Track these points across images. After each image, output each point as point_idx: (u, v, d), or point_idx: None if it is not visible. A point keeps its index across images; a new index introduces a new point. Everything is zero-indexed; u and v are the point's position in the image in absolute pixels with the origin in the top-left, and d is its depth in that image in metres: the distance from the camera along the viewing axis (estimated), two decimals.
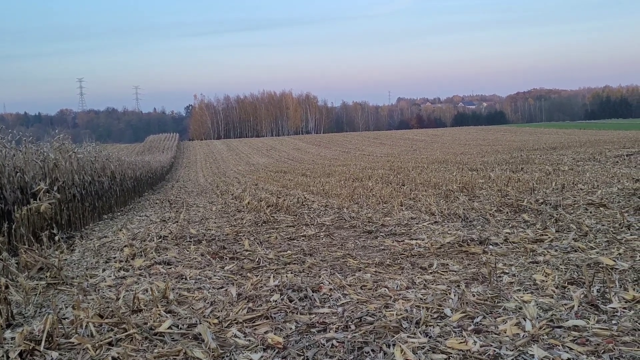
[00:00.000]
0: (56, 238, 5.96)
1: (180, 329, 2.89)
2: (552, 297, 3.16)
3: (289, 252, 5.15)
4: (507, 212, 6.60)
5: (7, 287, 3.53)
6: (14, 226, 6.05)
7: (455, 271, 4.00)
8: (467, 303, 3.10)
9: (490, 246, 4.78)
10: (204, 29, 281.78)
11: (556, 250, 4.40)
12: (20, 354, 2.55)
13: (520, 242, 4.85)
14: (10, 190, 6.74)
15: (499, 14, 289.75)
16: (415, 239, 5.39)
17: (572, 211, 6.27)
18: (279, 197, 10.96)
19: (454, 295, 3.29)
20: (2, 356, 2.55)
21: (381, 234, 5.94)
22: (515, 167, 14.66)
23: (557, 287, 3.36)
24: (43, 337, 2.63)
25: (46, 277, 4.29)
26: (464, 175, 12.70)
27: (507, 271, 3.86)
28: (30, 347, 2.57)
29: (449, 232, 5.64)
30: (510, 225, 5.75)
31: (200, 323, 2.92)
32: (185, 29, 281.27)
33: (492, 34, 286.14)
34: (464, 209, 6.98)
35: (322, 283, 3.78)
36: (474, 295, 3.26)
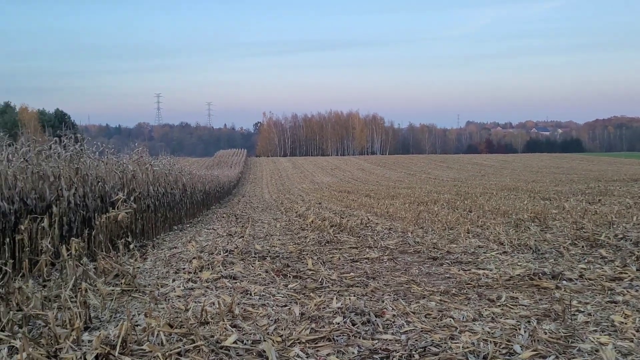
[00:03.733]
0: (131, 246, 6.25)
1: (245, 344, 2.95)
2: (632, 341, 2.96)
3: (352, 274, 5.14)
4: (583, 246, 6.28)
5: (86, 291, 3.74)
6: (93, 233, 6.41)
7: (526, 306, 3.84)
8: (538, 341, 2.97)
9: (564, 281, 4.56)
10: (275, 49, 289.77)
11: (637, 291, 4.13)
12: (96, 357, 2.69)
13: (597, 279, 4.59)
14: (92, 198, 7.16)
15: (578, 39, 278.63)
16: (483, 269, 5.23)
17: None
18: (343, 218, 10.98)
19: (524, 331, 3.15)
20: (80, 358, 2.70)
21: (447, 261, 5.81)
22: (592, 198, 13.94)
23: (637, 331, 3.14)
24: (118, 343, 2.76)
25: (121, 283, 4.51)
26: (536, 204, 12.21)
27: (582, 309, 3.66)
28: (106, 351, 2.70)
29: (518, 263, 5.43)
30: (585, 261, 5.46)
31: (265, 340, 2.96)
32: (257, 48, 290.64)
33: (570, 58, 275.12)
34: (535, 240, 6.71)
35: (385, 308, 3.74)
36: (545, 333, 3.11)
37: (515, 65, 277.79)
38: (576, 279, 4.63)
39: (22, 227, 5.23)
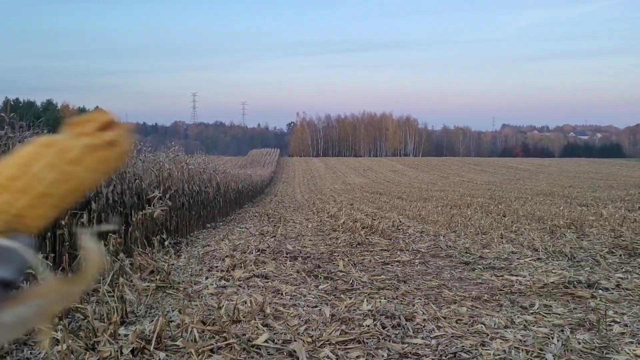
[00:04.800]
0: (165, 243, 6.40)
1: (276, 343, 3.00)
2: None
3: (382, 276, 5.14)
4: (621, 255, 6.11)
5: (123, 286, 3.86)
6: (130, 229, 6.58)
7: (559, 314, 3.77)
8: (571, 350, 2.92)
9: (600, 291, 4.45)
10: (309, 50, 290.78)
11: None
12: (132, 351, 2.78)
13: (635, 289, 4.47)
14: (129, 195, 7.35)
15: (618, 41, 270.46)
16: (516, 275, 5.16)
17: None
18: (374, 219, 10.96)
19: (557, 340, 3.10)
20: (117, 351, 2.79)
21: (479, 266, 5.75)
22: (632, 205, 13.51)
23: None
24: (153, 338, 2.85)
25: (156, 279, 4.63)
26: (572, 211, 11.92)
27: (618, 320, 3.58)
28: (141, 346, 2.79)
29: (553, 271, 5.33)
30: (623, 270, 5.32)
31: (295, 340, 3.00)
32: (292, 48, 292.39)
33: (610, 61, 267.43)
34: (571, 247, 6.56)
35: (415, 312, 3.73)
36: (579, 343, 3.06)
37: (553, 68, 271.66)
38: (613, 289, 4.52)
39: (63, 222, 5.42)
